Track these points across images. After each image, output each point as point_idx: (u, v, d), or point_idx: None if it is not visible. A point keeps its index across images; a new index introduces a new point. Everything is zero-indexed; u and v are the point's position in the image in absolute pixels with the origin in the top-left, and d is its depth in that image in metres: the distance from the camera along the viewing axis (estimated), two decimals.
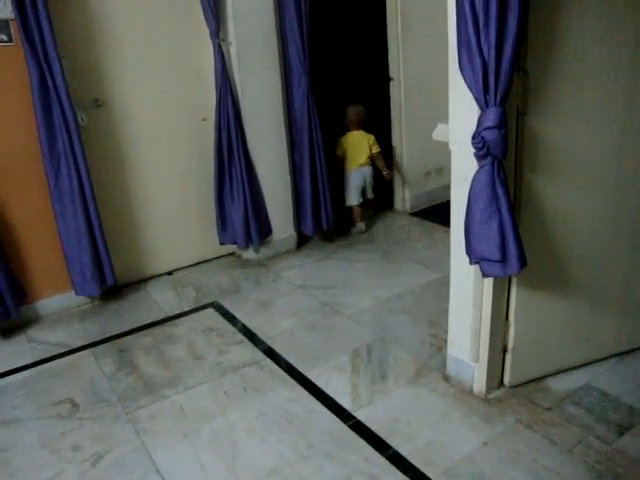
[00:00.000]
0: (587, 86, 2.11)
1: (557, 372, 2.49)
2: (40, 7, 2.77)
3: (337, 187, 4.19)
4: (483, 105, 1.88)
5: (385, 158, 4.32)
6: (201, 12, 3.36)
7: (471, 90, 1.89)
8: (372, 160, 4.25)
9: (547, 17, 1.96)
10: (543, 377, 2.48)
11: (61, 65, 2.92)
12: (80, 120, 3.15)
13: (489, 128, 1.85)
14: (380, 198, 4.78)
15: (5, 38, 2.90)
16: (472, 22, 1.79)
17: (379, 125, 4.51)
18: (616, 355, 2.57)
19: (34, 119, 2.97)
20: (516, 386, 2.44)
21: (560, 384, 2.44)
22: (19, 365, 2.93)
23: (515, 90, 1.98)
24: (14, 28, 2.88)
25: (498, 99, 1.84)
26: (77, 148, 3.07)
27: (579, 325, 2.45)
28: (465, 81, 1.89)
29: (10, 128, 3.04)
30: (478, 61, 1.82)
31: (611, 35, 2.07)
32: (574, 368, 2.51)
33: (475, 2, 1.78)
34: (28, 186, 3.15)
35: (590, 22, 2.03)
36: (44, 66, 2.89)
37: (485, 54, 1.81)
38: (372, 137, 4.20)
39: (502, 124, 1.85)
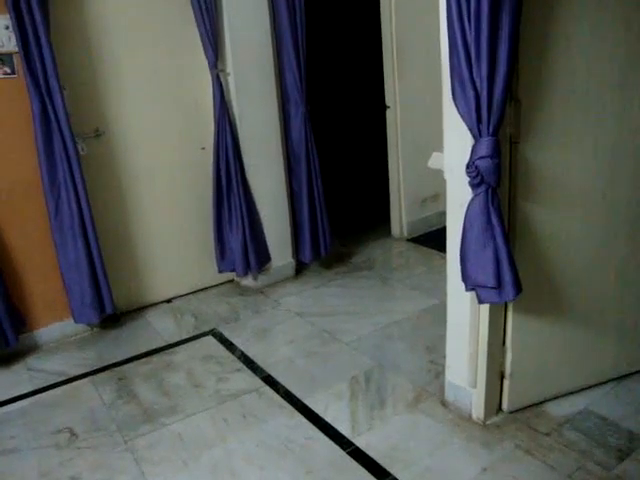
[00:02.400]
0: (578, 113, 2.16)
1: (555, 397, 2.49)
2: (43, 41, 2.84)
3: (334, 214, 4.22)
4: (477, 135, 1.92)
5: (381, 185, 4.37)
6: (200, 43, 3.43)
7: (465, 120, 1.93)
8: None
9: (537, 47, 2.02)
10: (542, 402, 2.48)
11: (62, 96, 2.97)
12: (80, 149, 3.20)
13: (483, 157, 1.89)
14: (377, 224, 4.82)
15: (9, 70, 2.96)
16: (464, 55, 1.85)
17: (376, 152, 4.57)
18: (615, 379, 2.58)
19: (35, 149, 3.01)
20: (514, 411, 2.44)
21: (559, 409, 2.44)
22: (18, 394, 2.93)
23: (508, 119, 2.02)
24: (17, 61, 2.94)
25: (491, 129, 1.88)
26: (77, 177, 3.10)
27: (577, 349, 2.46)
28: (459, 112, 1.94)
29: (12, 158, 3.09)
30: (471, 92, 1.86)
31: (601, 63, 2.13)
32: (573, 393, 2.52)
33: (466, 36, 1.83)
34: (28, 215, 3.18)
35: (580, 51, 2.08)
36: (45, 97, 2.94)
37: (477, 86, 1.86)
38: None
39: (495, 153, 1.89)
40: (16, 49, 2.88)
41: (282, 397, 2.73)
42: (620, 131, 2.23)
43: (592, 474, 2.08)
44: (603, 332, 2.49)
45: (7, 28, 2.87)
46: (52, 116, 2.98)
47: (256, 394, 2.77)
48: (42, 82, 2.91)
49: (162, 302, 3.85)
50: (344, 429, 2.46)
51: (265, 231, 3.88)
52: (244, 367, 3.01)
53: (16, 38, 2.81)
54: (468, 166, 1.95)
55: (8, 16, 2.79)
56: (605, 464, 2.12)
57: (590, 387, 2.54)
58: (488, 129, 1.89)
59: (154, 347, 3.29)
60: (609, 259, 2.39)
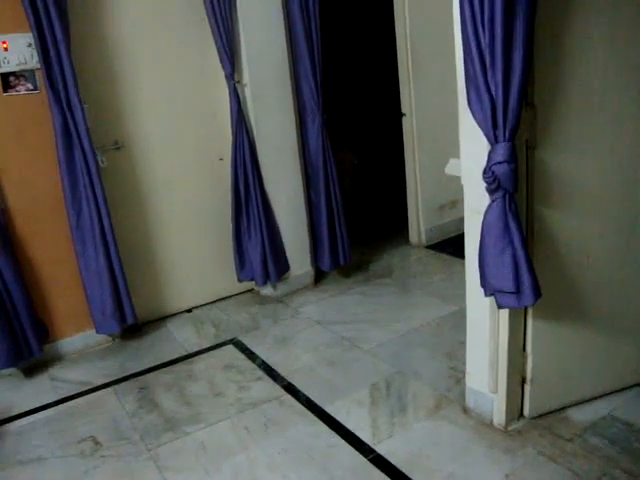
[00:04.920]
0: (595, 117, 2.15)
1: (578, 402, 2.47)
2: (64, 57, 2.90)
3: (352, 222, 4.23)
4: (493, 141, 1.92)
5: (399, 192, 4.37)
6: (217, 56, 3.47)
7: (480, 126, 1.94)
8: None
9: (553, 52, 2.02)
10: (563, 408, 2.46)
11: (83, 110, 3.03)
12: (100, 162, 3.25)
13: (499, 163, 1.89)
14: (395, 232, 4.82)
15: (31, 87, 3.03)
16: (479, 61, 1.85)
17: (393, 160, 4.57)
18: (638, 385, 2.55)
19: (57, 162, 3.07)
20: (536, 417, 2.43)
21: (581, 415, 2.42)
22: (42, 404, 2.97)
23: (524, 125, 2.02)
24: (39, 77, 3.00)
25: (507, 134, 1.88)
26: (98, 189, 3.16)
27: (598, 354, 2.44)
28: (474, 118, 1.94)
29: (35, 171, 3.15)
30: (486, 98, 1.87)
31: (618, 67, 2.12)
32: (595, 398, 2.49)
33: (481, 42, 1.84)
34: (51, 227, 3.24)
35: (596, 55, 2.08)
36: (67, 112, 3.00)
37: (493, 91, 1.86)
38: None
39: (512, 158, 1.90)
40: (38, 65, 2.94)
41: (303, 405, 2.73)
42: (637, 134, 2.22)
43: None
44: (625, 337, 2.46)
45: (29, 45, 2.94)
46: (73, 130, 3.04)
47: (277, 402, 2.78)
48: (63, 97, 2.97)
49: (182, 312, 3.88)
50: (365, 436, 2.46)
51: (284, 240, 3.90)
52: (265, 376, 3.02)
53: (38, 55, 2.88)
54: (485, 172, 1.95)
55: (31, 34, 2.86)
56: (632, 471, 2.09)
57: (613, 393, 2.51)
58: (504, 134, 1.89)
59: (175, 357, 3.32)
60: (629, 262, 2.37)
